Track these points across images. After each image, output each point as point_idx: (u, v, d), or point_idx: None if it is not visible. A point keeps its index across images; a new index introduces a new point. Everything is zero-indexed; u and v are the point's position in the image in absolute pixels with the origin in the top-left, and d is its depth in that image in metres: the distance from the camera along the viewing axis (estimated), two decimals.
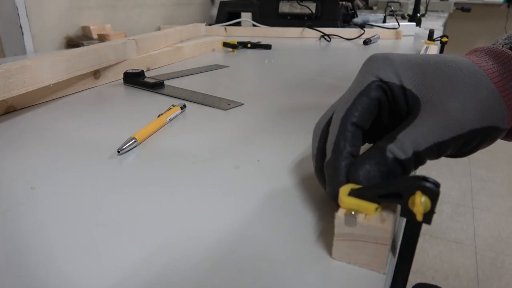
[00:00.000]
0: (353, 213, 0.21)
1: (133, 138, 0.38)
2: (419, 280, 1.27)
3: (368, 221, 0.21)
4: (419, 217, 0.20)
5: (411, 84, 0.24)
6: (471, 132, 0.23)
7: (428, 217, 0.20)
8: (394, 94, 0.25)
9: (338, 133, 0.25)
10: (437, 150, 0.23)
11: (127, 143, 0.37)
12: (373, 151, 0.23)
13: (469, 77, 0.24)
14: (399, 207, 0.22)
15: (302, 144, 0.39)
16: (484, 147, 0.25)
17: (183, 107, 0.48)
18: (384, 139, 0.23)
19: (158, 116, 0.44)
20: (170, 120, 0.45)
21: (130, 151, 0.37)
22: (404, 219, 0.22)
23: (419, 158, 0.23)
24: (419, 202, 0.19)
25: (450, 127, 0.22)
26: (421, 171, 0.29)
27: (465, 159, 2.12)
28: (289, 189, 0.30)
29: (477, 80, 0.24)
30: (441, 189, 0.20)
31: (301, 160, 0.35)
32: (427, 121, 0.23)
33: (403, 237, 0.22)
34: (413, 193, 0.20)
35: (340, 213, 0.21)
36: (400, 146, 0.22)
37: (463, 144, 0.23)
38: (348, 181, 0.23)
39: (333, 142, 0.25)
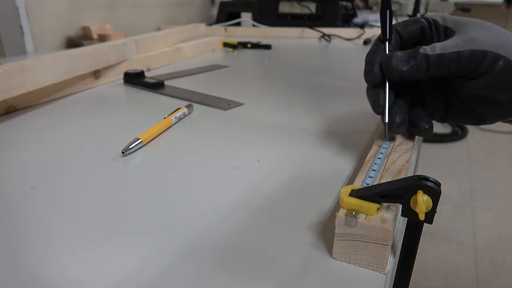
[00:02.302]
0: (353, 213, 0.21)
1: (138, 139, 0.37)
2: (418, 280, 1.27)
3: (369, 221, 0.21)
4: (422, 216, 0.20)
5: (451, 25, 0.31)
6: (485, 52, 0.28)
7: (429, 216, 0.20)
8: (437, 26, 0.32)
9: (381, 33, 0.32)
10: (457, 58, 0.28)
11: (132, 144, 0.37)
12: (409, 49, 0.30)
13: (496, 27, 0.30)
14: (399, 207, 0.22)
15: (302, 144, 0.39)
16: (493, 79, 0.29)
17: (190, 107, 0.48)
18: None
19: (164, 118, 0.44)
20: (179, 119, 0.45)
21: (135, 152, 0.37)
22: (405, 219, 0.22)
23: (442, 61, 0.28)
24: (421, 201, 0.19)
25: (471, 43, 0.28)
26: (421, 171, 0.29)
27: (465, 159, 2.12)
28: (289, 189, 0.30)
29: (502, 30, 0.30)
30: (441, 189, 0.20)
31: (301, 160, 0.35)
32: (455, 39, 0.29)
33: (404, 238, 0.22)
34: (414, 193, 0.20)
35: (341, 213, 0.21)
36: (431, 48, 0.29)
37: (478, 64, 0.28)
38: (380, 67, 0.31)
39: (377, 36, 0.32)
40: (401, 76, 0.30)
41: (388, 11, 0.32)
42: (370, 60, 0.32)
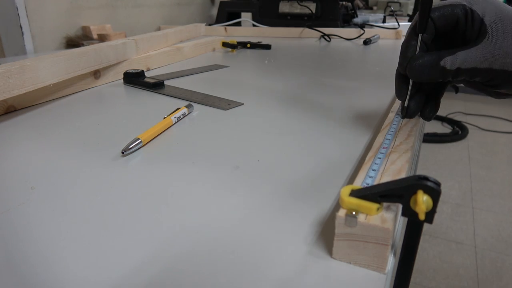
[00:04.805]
0: (353, 213, 0.21)
1: (138, 139, 0.37)
2: (418, 280, 1.27)
3: (369, 221, 0.21)
4: (422, 216, 0.20)
5: (488, 22, 0.31)
6: (501, 71, 0.30)
7: (430, 216, 0.20)
8: (473, 20, 0.32)
9: (418, 22, 0.33)
10: (473, 73, 0.31)
11: (131, 144, 0.37)
12: (434, 54, 0.32)
13: None
14: (399, 207, 0.22)
15: (302, 144, 0.39)
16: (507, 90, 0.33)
17: (190, 107, 0.48)
18: (448, 50, 0.32)
19: (164, 117, 0.44)
20: (179, 119, 0.45)
21: (134, 152, 0.37)
22: (405, 219, 0.22)
23: (458, 74, 0.32)
24: (421, 201, 0.19)
25: (491, 60, 0.30)
26: (421, 171, 0.29)
27: (465, 159, 2.12)
28: (289, 189, 0.30)
29: None
30: (441, 189, 0.20)
31: (301, 160, 0.35)
32: (481, 51, 0.31)
33: (404, 237, 0.22)
34: (414, 193, 0.20)
35: (341, 213, 0.21)
36: (453, 60, 0.31)
37: (491, 78, 0.31)
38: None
39: (411, 26, 0.35)
40: (420, 80, 0.34)
41: (427, 6, 0.33)
42: (403, 53, 0.35)
